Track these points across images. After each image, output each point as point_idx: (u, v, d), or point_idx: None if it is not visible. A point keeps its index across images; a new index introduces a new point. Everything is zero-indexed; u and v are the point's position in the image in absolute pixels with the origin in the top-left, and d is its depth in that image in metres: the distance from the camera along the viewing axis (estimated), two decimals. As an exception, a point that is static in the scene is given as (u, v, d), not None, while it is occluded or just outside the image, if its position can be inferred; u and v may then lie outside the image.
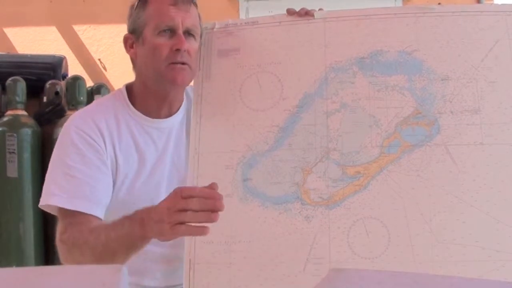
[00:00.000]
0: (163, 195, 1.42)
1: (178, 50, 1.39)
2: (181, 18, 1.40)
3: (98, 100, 1.59)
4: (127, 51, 1.48)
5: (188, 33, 1.41)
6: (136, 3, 1.45)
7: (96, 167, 1.40)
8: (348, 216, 1.29)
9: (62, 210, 1.37)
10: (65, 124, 1.45)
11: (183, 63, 1.40)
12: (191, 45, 1.41)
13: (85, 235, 1.32)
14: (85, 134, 1.40)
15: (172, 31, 1.40)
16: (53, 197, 1.38)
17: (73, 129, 1.41)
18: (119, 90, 1.51)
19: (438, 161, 1.29)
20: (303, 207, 1.31)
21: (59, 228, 1.37)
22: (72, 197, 1.36)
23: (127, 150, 1.44)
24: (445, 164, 1.28)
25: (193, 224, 1.17)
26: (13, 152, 3.06)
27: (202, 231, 1.17)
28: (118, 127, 1.45)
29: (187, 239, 1.33)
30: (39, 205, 1.42)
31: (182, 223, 1.16)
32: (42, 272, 0.71)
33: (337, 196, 1.31)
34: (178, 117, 1.51)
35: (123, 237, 1.26)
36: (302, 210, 1.31)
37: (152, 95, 1.47)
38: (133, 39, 1.46)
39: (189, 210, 1.15)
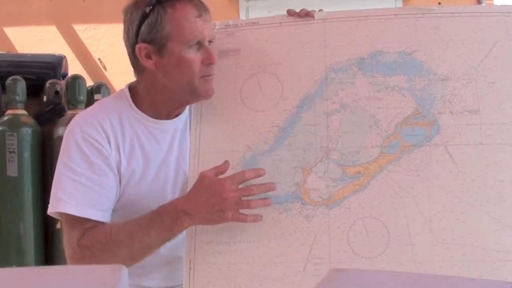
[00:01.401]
0: (169, 196, 1.43)
1: (209, 64, 1.39)
2: (207, 30, 1.39)
3: (100, 101, 1.57)
4: (143, 61, 1.40)
5: (209, 42, 1.41)
6: (149, 11, 1.38)
7: (103, 173, 1.40)
8: (348, 216, 1.29)
9: (72, 217, 1.37)
10: (70, 127, 1.43)
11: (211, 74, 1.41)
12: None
13: (114, 237, 1.33)
14: (91, 137, 1.40)
15: (199, 43, 1.39)
16: (61, 204, 1.38)
17: (78, 132, 1.40)
18: (122, 91, 1.50)
19: (438, 161, 1.29)
20: (303, 207, 1.31)
21: (74, 234, 1.37)
22: (80, 205, 1.37)
23: (131, 151, 1.44)
24: (445, 164, 1.28)
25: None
26: (13, 152, 3.06)
27: (260, 218, 1.30)
28: (122, 127, 1.44)
29: (187, 239, 1.34)
30: (47, 213, 1.42)
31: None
32: (42, 272, 0.71)
33: (337, 196, 1.31)
34: (182, 118, 1.51)
35: (164, 232, 1.31)
36: (302, 209, 1.31)
37: (168, 101, 1.46)
38: (149, 49, 1.39)
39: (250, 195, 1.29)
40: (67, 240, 1.38)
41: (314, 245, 1.29)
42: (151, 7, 1.37)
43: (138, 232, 1.31)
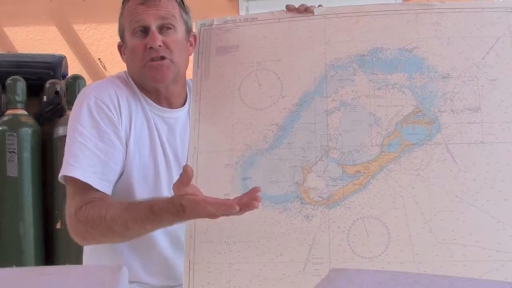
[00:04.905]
0: (164, 188, 1.45)
1: (151, 48, 1.39)
2: (152, 15, 1.40)
3: (117, 74, 1.54)
4: (122, 58, 1.50)
5: (165, 27, 1.41)
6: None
7: (111, 142, 1.40)
8: (348, 216, 1.28)
9: (75, 182, 1.37)
10: (84, 91, 1.45)
11: (162, 58, 1.40)
12: (169, 37, 1.42)
13: (108, 222, 1.32)
14: (103, 104, 1.40)
15: (145, 30, 1.41)
16: (67, 168, 1.38)
17: (92, 98, 1.41)
18: (126, 75, 1.51)
19: (439, 160, 1.28)
20: (302, 206, 1.31)
21: (73, 203, 1.37)
22: (84, 169, 1.37)
23: (141, 131, 1.45)
24: (445, 163, 1.28)
25: None
26: (13, 152, 3.06)
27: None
28: (136, 105, 1.46)
29: (186, 239, 1.33)
30: (58, 178, 1.42)
31: None
32: (42, 272, 0.71)
33: (337, 195, 1.30)
34: (183, 112, 1.52)
35: (160, 227, 1.32)
36: (302, 209, 1.30)
37: (148, 91, 1.48)
38: (122, 45, 1.48)
39: None
40: (67, 206, 1.39)
41: (314, 245, 1.28)
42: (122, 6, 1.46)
43: (133, 225, 1.30)
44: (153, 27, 1.40)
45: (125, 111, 1.43)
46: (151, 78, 1.42)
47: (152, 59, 1.40)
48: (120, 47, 1.50)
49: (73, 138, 1.39)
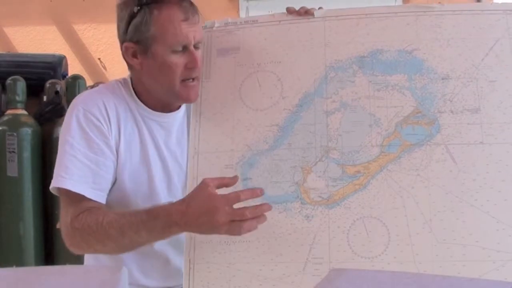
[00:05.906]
0: (161, 192, 1.43)
1: (191, 68, 1.38)
2: (193, 34, 1.38)
3: (106, 84, 1.55)
4: (129, 60, 1.43)
5: (195, 46, 1.40)
6: (136, 11, 1.38)
7: (101, 152, 1.40)
8: (348, 216, 1.29)
9: (68, 193, 1.37)
10: (73, 103, 1.44)
11: (194, 79, 1.40)
12: (198, 56, 1.40)
13: (105, 228, 1.31)
14: (92, 115, 1.40)
15: (184, 47, 1.38)
16: (59, 179, 1.38)
17: (80, 109, 1.41)
18: (125, 79, 1.50)
19: (438, 161, 1.28)
20: (302, 207, 1.31)
21: (69, 212, 1.36)
22: (75, 180, 1.37)
23: (131, 137, 1.44)
24: (445, 164, 1.28)
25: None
26: (13, 151, 3.07)
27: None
28: (126, 113, 1.45)
29: (186, 239, 1.33)
30: (50, 189, 1.42)
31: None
32: (42, 272, 0.71)
33: (337, 196, 1.30)
34: (179, 114, 1.51)
35: (155, 235, 1.30)
36: (302, 209, 1.31)
37: (153, 99, 1.47)
38: (136, 49, 1.40)
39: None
40: (62, 217, 1.38)
41: (314, 245, 1.28)
42: (138, 7, 1.38)
43: (129, 231, 1.29)
44: (192, 47, 1.38)
45: (113, 120, 1.42)
46: (186, 96, 1.41)
47: (189, 79, 1.39)
48: (128, 49, 1.41)
49: (63, 150, 1.39)
